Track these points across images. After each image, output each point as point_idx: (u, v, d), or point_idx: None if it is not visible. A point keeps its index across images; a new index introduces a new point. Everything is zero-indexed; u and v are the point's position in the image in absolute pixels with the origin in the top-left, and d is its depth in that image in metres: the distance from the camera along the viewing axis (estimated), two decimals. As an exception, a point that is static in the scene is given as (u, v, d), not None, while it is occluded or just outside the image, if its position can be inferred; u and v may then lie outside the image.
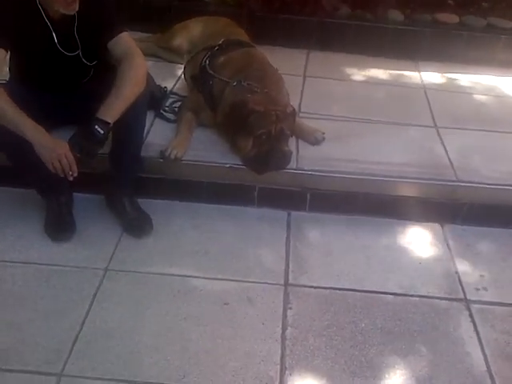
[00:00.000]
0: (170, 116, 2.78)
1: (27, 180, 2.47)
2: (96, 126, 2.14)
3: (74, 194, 2.52)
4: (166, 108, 2.83)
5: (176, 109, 2.81)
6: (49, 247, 2.34)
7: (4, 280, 2.18)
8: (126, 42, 2.33)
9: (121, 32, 2.32)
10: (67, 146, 2.15)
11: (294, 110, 2.58)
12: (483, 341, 2.03)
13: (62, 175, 2.17)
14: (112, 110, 2.17)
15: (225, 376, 1.85)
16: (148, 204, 2.52)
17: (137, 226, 2.44)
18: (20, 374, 1.84)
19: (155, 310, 2.09)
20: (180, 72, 3.18)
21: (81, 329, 1.99)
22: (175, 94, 2.97)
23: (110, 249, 2.35)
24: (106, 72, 2.43)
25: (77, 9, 2.19)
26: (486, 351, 1.99)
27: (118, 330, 2.00)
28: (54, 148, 2.13)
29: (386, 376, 1.89)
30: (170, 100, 2.89)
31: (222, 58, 2.72)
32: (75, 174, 2.18)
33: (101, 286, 2.17)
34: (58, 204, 2.44)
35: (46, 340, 1.95)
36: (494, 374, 1.91)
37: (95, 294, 2.13)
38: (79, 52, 2.34)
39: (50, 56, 2.32)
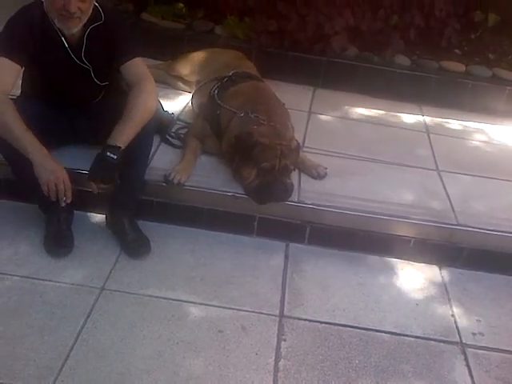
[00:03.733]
0: (176, 142, 2.82)
1: (30, 194, 2.48)
2: (108, 153, 2.20)
3: (75, 211, 2.52)
4: (172, 134, 2.87)
5: (182, 135, 2.85)
6: (46, 262, 2.33)
7: (0, 293, 2.17)
8: (139, 67, 2.40)
9: (134, 57, 2.38)
10: (66, 172, 2.20)
11: (298, 144, 2.62)
12: (477, 386, 2.02)
13: (54, 199, 2.20)
14: (122, 136, 2.23)
15: (215, 404, 1.83)
16: (147, 226, 2.53)
17: (135, 247, 2.44)
18: (8, 389, 1.81)
19: (148, 332, 2.07)
20: (187, 100, 3.24)
21: (73, 347, 1.97)
22: (182, 120, 3.01)
23: (107, 268, 2.34)
24: (116, 96, 2.49)
25: (75, 29, 2.25)
26: (480, 397, 1.98)
27: (110, 350, 1.98)
28: (53, 171, 2.17)
29: (378, 415, 1.87)
30: (176, 126, 2.94)
31: (230, 89, 2.77)
32: (68, 201, 2.23)
33: (96, 304, 2.15)
34: (58, 220, 2.43)
35: (37, 356, 1.92)
36: (487, 421, 1.90)
37: (89, 313, 2.11)
38: (91, 72, 2.39)
39: (63, 73, 2.37)
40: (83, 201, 2.53)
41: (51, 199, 2.19)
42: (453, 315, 2.33)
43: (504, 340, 2.23)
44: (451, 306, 2.37)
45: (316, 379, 1.96)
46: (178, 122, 2.98)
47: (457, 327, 2.27)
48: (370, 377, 2.00)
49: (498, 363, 2.12)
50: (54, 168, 2.17)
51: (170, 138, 2.84)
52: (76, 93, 2.44)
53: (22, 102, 2.34)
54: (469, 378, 2.05)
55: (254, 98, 2.69)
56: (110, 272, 2.32)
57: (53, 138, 2.45)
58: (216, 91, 2.77)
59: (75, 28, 2.26)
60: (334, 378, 1.97)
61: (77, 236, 2.45)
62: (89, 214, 2.61)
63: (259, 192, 2.46)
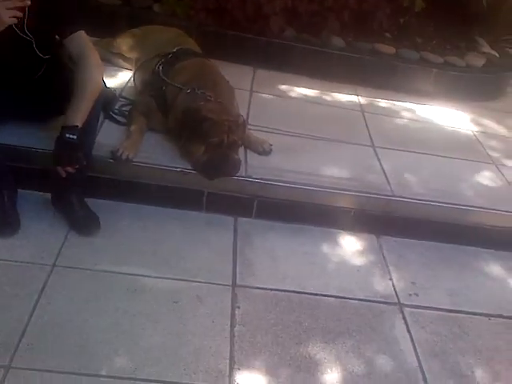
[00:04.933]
0: (120, 118, 2.81)
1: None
2: (67, 135, 2.18)
3: (19, 190, 2.46)
4: (116, 110, 2.85)
5: (125, 112, 2.84)
6: (-8, 242, 2.28)
7: None
8: (83, 39, 2.36)
9: (78, 29, 2.35)
10: None
11: (244, 120, 2.70)
12: (415, 340, 2.21)
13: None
14: (78, 114, 2.22)
15: (176, 369, 1.90)
16: (96, 204, 2.51)
17: (84, 224, 2.43)
18: (-34, 367, 1.78)
19: (105, 306, 2.09)
20: (128, 77, 3.22)
21: (28, 323, 1.96)
22: (124, 97, 3.00)
23: (57, 245, 2.32)
24: (57, 70, 2.45)
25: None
26: (418, 350, 2.17)
27: (67, 324, 1.99)
28: None
29: (328, 371, 2.01)
30: (119, 103, 2.92)
31: (176, 66, 2.79)
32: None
33: (48, 281, 2.15)
34: (2, 198, 2.37)
35: (-10, 334, 1.90)
36: (424, 369, 2.09)
37: (43, 289, 2.10)
38: (33, 44, 2.33)
39: (4, 45, 2.28)
40: (26, 179, 2.50)
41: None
42: (390, 279, 2.52)
43: (436, 299, 2.45)
44: (389, 271, 2.56)
45: (270, 342, 2.07)
46: (120, 99, 2.96)
47: (394, 289, 2.46)
48: (318, 337, 2.14)
49: (432, 320, 2.34)
50: None
51: (113, 115, 2.82)
52: (17, 66, 2.37)
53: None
54: (407, 334, 2.24)
55: (200, 75, 2.74)
56: (60, 249, 2.31)
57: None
58: (161, 67, 2.79)
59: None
60: (286, 340, 2.09)
61: (22, 215, 2.39)
62: (32, 192, 2.54)
63: (208, 167, 2.51)
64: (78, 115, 2.21)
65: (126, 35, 3.30)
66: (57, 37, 2.41)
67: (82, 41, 2.35)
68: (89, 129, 2.39)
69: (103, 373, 1.84)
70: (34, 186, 2.55)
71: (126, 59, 3.32)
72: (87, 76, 2.28)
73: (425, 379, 2.06)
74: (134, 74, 3.12)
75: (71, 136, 2.18)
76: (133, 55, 3.23)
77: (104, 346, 1.93)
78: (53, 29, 2.34)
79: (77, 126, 2.19)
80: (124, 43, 3.30)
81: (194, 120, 2.51)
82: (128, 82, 3.20)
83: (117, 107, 2.87)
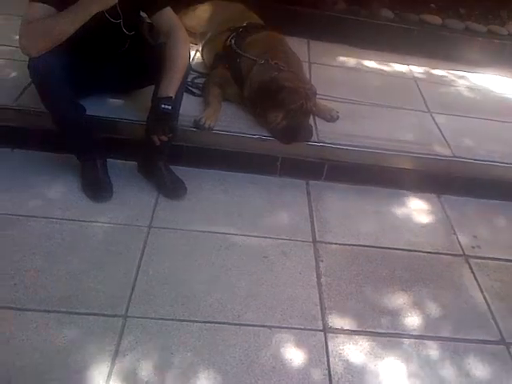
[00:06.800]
0: (195, 90, 2.99)
1: (68, 144, 2.59)
2: (162, 106, 2.33)
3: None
4: (189, 83, 3.00)
5: (199, 84, 3.01)
6: (89, 207, 2.47)
7: (52, 235, 2.29)
8: (171, 15, 2.48)
9: (165, 6, 2.47)
10: None
11: (315, 88, 2.86)
12: (482, 287, 2.42)
13: None
14: (172, 86, 2.37)
15: (274, 315, 2.11)
16: (179, 171, 2.68)
17: (172, 188, 2.61)
18: (87, 316, 1.98)
19: (202, 261, 2.29)
20: (193, 51, 3.34)
21: (136, 277, 2.15)
22: (195, 70, 3.15)
23: (149, 209, 2.51)
24: (139, 46, 2.61)
25: None
26: (485, 295, 2.39)
27: (171, 278, 2.18)
28: None
29: (408, 314, 2.23)
30: (191, 76, 3.08)
31: (248, 39, 2.95)
32: None
33: (147, 240, 2.34)
34: (96, 166, 2.56)
35: (104, 287, 2.09)
36: (493, 311, 2.32)
37: (143, 248, 2.29)
38: (121, 21, 2.46)
39: (95, 21, 2.35)
40: (114, 149, 2.69)
41: None
42: (454, 233, 2.71)
43: (496, 250, 2.65)
44: (452, 226, 2.76)
45: (354, 290, 2.29)
46: (191, 72, 3.13)
47: (459, 242, 2.66)
48: (396, 286, 2.35)
49: (495, 269, 2.55)
50: None
51: (188, 87, 2.98)
52: (104, 43, 2.50)
53: (49, 57, 2.40)
54: (474, 281, 2.45)
55: (272, 47, 2.90)
56: (153, 212, 2.50)
57: (82, 88, 2.52)
58: (233, 41, 2.94)
59: None
60: (368, 288, 2.31)
61: (113, 182, 2.58)
62: (118, 161, 2.72)
63: (286, 133, 2.69)
64: (171, 87, 2.37)
65: (192, 11, 3.44)
66: (142, 14, 2.58)
67: (170, 17, 2.47)
68: (176, 101, 2.57)
69: (210, 319, 2.05)
70: (118, 155, 2.72)
71: (190, 34, 3.44)
72: (178, 50, 2.42)
73: (494, 319, 2.28)
74: (202, 48, 3.28)
75: (166, 106, 2.34)
76: (197, 30, 3.38)
77: (207, 297, 2.13)
78: (140, 7, 2.50)
79: (171, 97, 2.35)
80: (188, 18, 3.42)
81: (271, 89, 2.67)
82: (195, 56, 3.34)
83: (190, 80, 3.04)
